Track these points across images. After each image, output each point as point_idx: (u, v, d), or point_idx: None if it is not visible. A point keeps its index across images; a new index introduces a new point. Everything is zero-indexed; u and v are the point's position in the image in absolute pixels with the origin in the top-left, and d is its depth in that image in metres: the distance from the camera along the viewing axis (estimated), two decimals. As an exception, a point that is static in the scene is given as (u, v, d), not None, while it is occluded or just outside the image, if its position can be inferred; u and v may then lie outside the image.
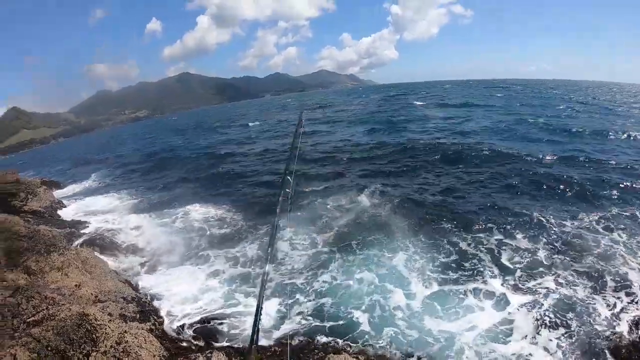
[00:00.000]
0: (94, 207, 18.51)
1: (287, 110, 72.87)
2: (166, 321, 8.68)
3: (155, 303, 9.48)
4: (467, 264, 10.46)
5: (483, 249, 11.06)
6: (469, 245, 11.36)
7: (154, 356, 6.65)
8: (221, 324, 8.78)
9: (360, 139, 28.84)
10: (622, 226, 11.67)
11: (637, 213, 12.43)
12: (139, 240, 13.40)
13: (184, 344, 7.84)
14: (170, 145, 41.26)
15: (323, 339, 8.04)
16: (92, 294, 8.47)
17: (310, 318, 8.86)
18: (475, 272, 10.12)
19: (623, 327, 7.99)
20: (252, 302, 9.49)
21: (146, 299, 9.19)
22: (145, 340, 7.00)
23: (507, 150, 20.67)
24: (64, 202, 19.58)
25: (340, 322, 8.65)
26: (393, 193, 16.07)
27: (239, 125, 55.12)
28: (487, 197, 14.95)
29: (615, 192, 14.24)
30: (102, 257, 11.02)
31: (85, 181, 26.87)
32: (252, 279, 10.71)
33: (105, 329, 6.91)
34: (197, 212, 16.34)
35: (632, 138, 23.14)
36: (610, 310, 8.52)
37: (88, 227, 14.52)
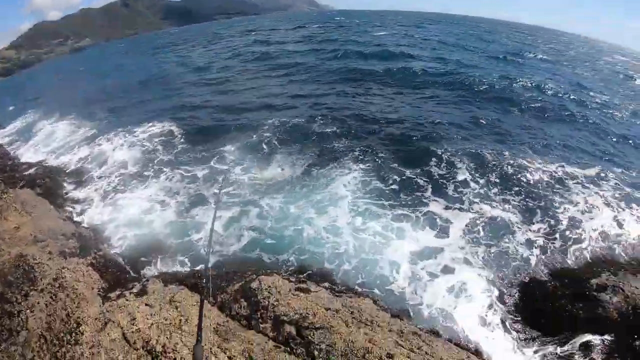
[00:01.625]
0: (37, 143, 17.93)
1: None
2: (109, 251, 9.02)
3: (100, 234, 9.80)
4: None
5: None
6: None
7: (92, 289, 7.01)
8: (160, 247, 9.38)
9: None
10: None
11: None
12: (85, 170, 13.47)
13: (125, 274, 8.24)
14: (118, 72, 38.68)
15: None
16: (31, 234, 8.59)
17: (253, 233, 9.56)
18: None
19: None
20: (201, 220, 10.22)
21: (87, 232, 9.39)
22: (83, 274, 7.33)
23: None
24: (4, 144, 18.82)
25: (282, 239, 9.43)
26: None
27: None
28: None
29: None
30: (41, 197, 10.98)
31: (25, 117, 25.07)
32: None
33: (44, 267, 7.19)
34: (147, 132, 16.44)
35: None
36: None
37: (30, 166, 14.24)
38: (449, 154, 12.81)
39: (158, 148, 14.94)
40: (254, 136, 14.99)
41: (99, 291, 7.10)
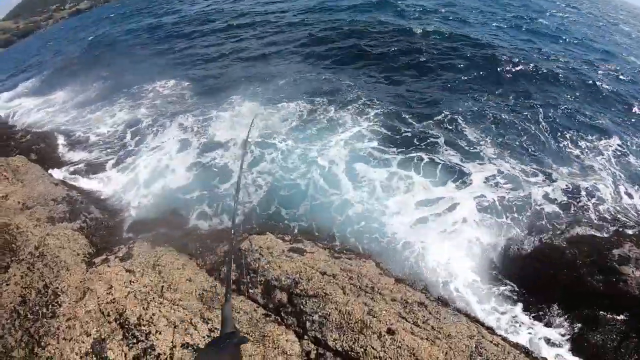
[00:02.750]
0: (34, 110, 17.40)
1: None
2: (102, 214, 8.50)
3: (95, 196, 9.38)
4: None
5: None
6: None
7: (78, 254, 6.53)
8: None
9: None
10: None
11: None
12: (85, 133, 12.99)
13: (115, 237, 7.74)
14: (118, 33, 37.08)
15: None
16: (19, 202, 8.15)
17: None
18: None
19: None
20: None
21: (79, 195, 8.83)
22: (69, 239, 6.86)
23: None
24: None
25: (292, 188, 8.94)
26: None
27: None
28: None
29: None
30: (35, 163, 10.51)
31: (23, 83, 24.16)
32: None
33: (28, 235, 6.77)
34: (152, 91, 15.91)
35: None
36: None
37: (27, 133, 13.73)
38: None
39: (168, 101, 14.46)
40: (265, 83, 14.53)
41: (84, 257, 6.60)
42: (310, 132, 10.82)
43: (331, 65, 15.85)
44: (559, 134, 11.25)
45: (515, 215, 8.06)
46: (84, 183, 9.99)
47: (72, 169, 10.72)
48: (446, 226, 7.62)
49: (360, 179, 8.89)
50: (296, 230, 7.72)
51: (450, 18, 23.17)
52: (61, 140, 12.48)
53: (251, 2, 32.23)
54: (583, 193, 8.80)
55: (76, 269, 6.07)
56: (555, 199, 8.60)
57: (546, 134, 11.18)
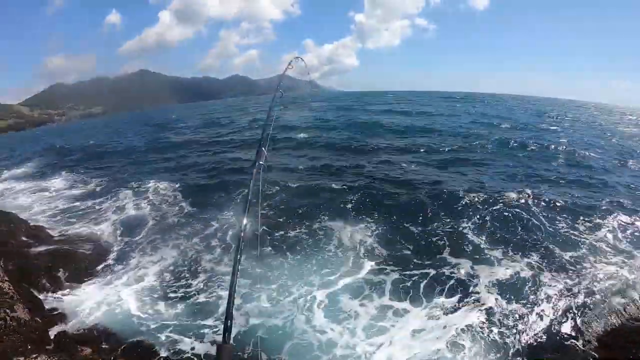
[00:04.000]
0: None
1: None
2: (29, 318, 6.68)
3: (30, 297, 7.63)
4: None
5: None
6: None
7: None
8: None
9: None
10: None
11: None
12: (57, 231, 11.76)
13: (31, 348, 5.90)
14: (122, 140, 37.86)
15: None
16: None
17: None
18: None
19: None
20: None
21: (10, 290, 7.05)
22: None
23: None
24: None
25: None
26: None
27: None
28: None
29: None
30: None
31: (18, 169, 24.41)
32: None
33: None
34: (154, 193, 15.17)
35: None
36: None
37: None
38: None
39: (163, 212, 13.41)
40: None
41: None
42: (302, 261, 9.54)
43: (326, 184, 14.82)
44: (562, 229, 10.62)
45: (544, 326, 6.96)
46: (28, 279, 8.32)
47: (24, 260, 9.16)
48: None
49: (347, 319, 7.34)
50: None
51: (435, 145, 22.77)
52: (26, 228, 11.05)
53: (237, 132, 33.81)
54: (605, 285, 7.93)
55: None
56: (577, 302, 7.51)
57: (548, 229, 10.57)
